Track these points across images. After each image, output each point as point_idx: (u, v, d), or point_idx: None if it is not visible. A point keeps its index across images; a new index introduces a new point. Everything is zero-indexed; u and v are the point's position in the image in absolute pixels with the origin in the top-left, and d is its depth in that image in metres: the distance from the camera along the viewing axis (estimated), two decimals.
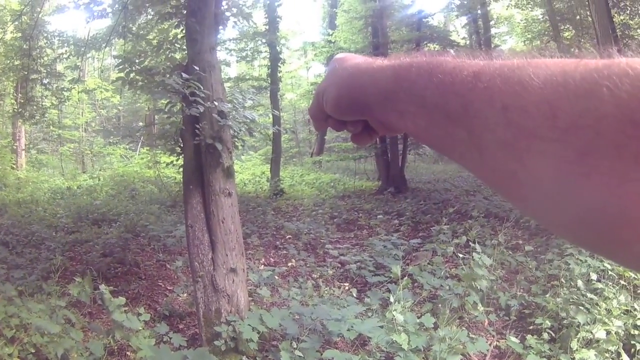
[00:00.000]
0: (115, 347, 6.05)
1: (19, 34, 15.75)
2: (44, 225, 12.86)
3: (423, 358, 5.48)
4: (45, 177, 25.76)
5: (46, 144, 35.84)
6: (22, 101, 16.50)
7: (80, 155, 33.31)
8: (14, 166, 24.40)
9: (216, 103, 6.13)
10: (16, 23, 15.42)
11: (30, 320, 5.19)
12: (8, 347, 4.87)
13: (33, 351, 5.12)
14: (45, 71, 16.13)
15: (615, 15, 14.88)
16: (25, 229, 12.10)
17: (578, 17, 21.16)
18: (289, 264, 10.40)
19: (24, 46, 15.22)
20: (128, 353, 6.08)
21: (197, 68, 6.21)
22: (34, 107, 16.34)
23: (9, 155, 23.33)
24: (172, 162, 7.72)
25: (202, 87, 6.02)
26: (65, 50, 16.55)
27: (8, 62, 16.20)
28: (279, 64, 22.68)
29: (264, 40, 22.03)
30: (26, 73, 15.46)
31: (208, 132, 6.18)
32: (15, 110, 17.36)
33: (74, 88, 17.37)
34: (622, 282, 7.01)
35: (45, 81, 16.59)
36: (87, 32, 16.75)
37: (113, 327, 5.75)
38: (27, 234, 11.70)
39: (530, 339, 6.02)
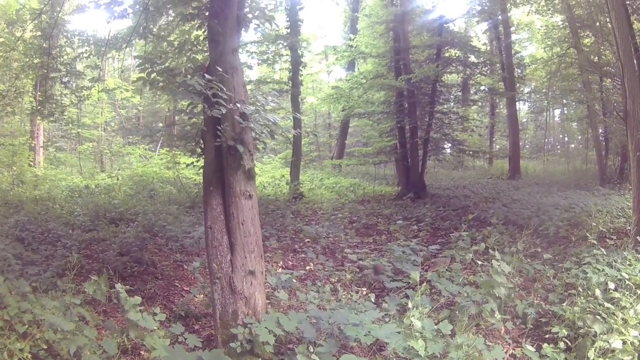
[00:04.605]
0: (129, 346, 6.05)
1: (39, 33, 15.80)
2: (61, 223, 12.91)
3: None
4: (63, 175, 25.87)
5: (65, 142, 36.11)
6: (41, 99, 16.53)
7: (99, 155, 33.51)
8: (32, 163, 24.53)
9: (238, 105, 6.13)
10: (35, 22, 15.47)
11: (44, 316, 5.19)
12: (20, 343, 4.88)
13: (45, 347, 5.14)
14: (64, 70, 16.15)
15: (635, 22, 14.75)
16: (41, 226, 12.13)
17: (598, 23, 20.99)
18: (307, 268, 10.43)
19: (44, 45, 15.25)
20: (142, 352, 6.08)
21: (220, 69, 6.21)
22: (53, 105, 16.38)
23: (26, 153, 23.43)
24: (192, 163, 7.70)
25: (224, 89, 6.01)
26: (86, 50, 16.61)
27: (27, 60, 16.24)
28: (300, 68, 22.76)
29: (285, 44, 22.04)
30: (45, 71, 15.49)
31: (230, 134, 6.17)
32: (34, 107, 17.43)
33: (94, 87, 17.42)
34: (639, 291, 6.95)
35: (64, 80, 16.62)
36: (107, 32, 16.81)
37: (128, 326, 5.77)
38: (43, 231, 11.74)
39: (547, 348, 5.98)
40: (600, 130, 25.34)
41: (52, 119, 17.45)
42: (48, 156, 30.00)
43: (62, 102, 17.30)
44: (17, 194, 18.42)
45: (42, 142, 28.08)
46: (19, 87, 17.92)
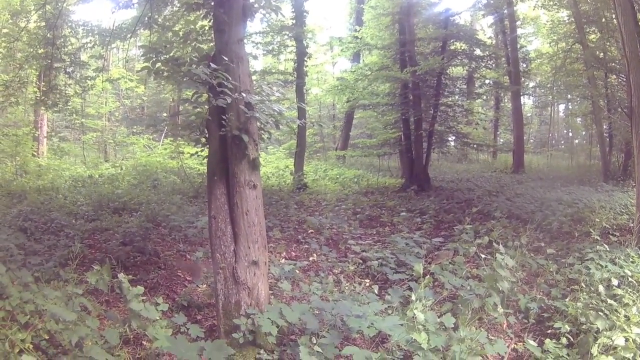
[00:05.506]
0: (131, 336, 6.04)
1: (43, 23, 15.75)
2: (64, 213, 12.91)
3: (441, 358, 5.45)
4: (67, 165, 25.81)
5: (68, 132, 36.09)
6: (44, 89, 16.51)
7: (102, 144, 33.49)
8: (35, 153, 24.45)
9: (244, 94, 6.11)
10: (40, 12, 15.43)
11: (46, 306, 5.16)
12: (21, 333, 4.85)
13: (47, 337, 5.11)
14: (69, 60, 16.11)
15: None
16: (44, 216, 12.12)
17: (603, 19, 20.95)
18: (311, 259, 10.41)
19: (48, 35, 15.21)
20: (144, 342, 6.07)
21: (226, 59, 6.19)
22: (57, 95, 16.36)
23: (30, 143, 23.33)
24: (196, 152, 7.70)
25: (229, 78, 5.99)
26: (90, 40, 16.57)
27: (31, 50, 16.20)
28: (305, 59, 22.68)
29: (290, 34, 22.07)
30: (50, 61, 15.46)
31: (234, 124, 6.15)
32: (38, 98, 17.41)
33: (98, 77, 17.40)
34: None
35: (69, 70, 16.59)
36: (112, 22, 16.73)
37: (130, 315, 5.75)
38: (46, 221, 11.72)
39: (549, 343, 5.99)
40: (605, 127, 25.29)
41: (56, 109, 17.44)
42: (52, 146, 29.91)
43: (66, 92, 17.30)
44: (21, 184, 18.37)
45: (45, 132, 28.01)
46: (23, 77, 17.85)
